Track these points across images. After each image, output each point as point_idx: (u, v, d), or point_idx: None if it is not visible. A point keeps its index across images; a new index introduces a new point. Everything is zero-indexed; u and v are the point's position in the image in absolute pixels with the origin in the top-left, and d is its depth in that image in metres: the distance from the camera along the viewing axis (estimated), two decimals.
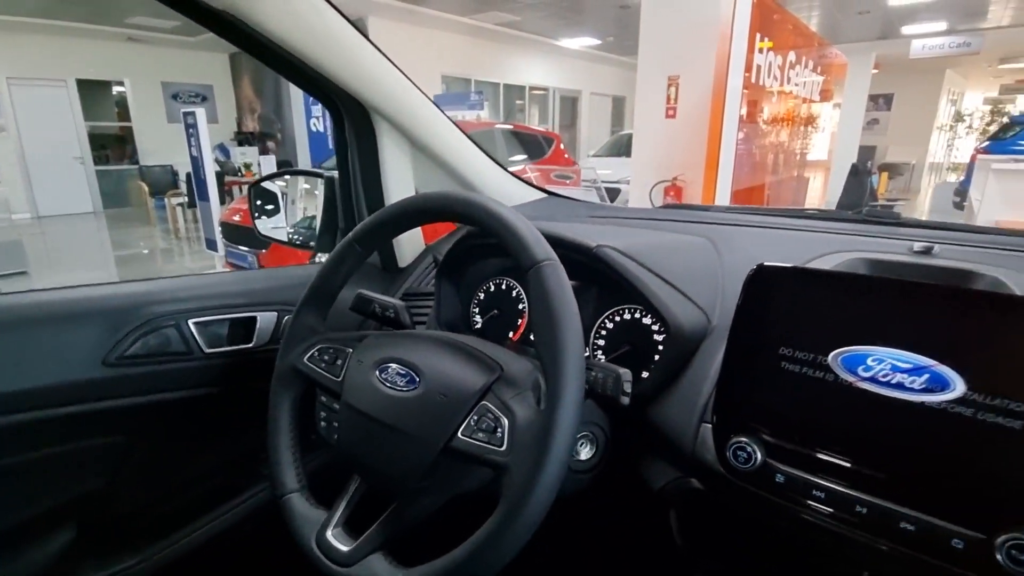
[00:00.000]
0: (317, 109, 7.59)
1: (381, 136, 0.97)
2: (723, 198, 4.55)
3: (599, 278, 0.72)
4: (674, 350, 0.65)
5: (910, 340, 0.46)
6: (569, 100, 12.72)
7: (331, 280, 0.69)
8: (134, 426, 0.84)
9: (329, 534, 0.59)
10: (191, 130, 5.03)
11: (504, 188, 1.18)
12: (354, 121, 0.97)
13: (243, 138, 9.60)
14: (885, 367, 0.46)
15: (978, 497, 0.43)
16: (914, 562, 0.45)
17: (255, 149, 8.45)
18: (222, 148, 8.68)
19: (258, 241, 4.18)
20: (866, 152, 11.43)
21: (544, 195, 1.25)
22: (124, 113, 9.75)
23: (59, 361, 0.75)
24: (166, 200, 7.64)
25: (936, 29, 9.43)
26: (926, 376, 0.45)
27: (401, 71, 0.93)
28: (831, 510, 0.49)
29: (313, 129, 7.73)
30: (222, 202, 5.38)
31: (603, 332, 0.75)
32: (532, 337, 0.54)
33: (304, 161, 8.76)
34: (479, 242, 0.85)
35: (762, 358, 0.53)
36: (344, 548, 0.57)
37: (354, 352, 0.65)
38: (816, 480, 0.50)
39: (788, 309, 0.53)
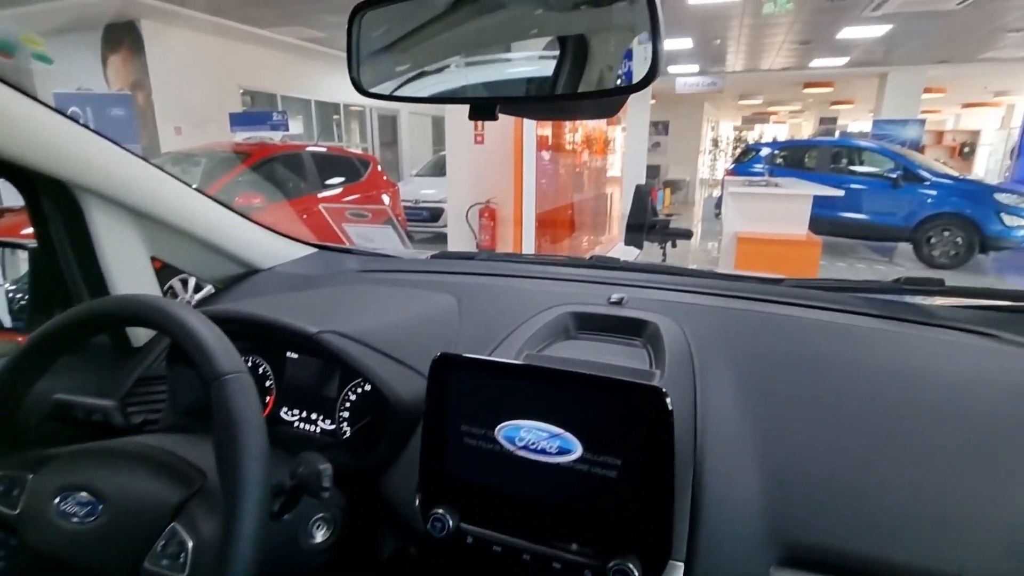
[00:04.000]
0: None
1: (90, 212, 0.89)
2: (529, 219, 4.94)
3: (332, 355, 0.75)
4: (398, 421, 0.70)
5: (547, 414, 0.57)
6: (389, 119, 12.63)
7: (9, 392, 0.62)
8: None
9: None
10: None
11: (268, 248, 1.15)
12: (52, 200, 0.89)
13: None
14: (532, 436, 0.57)
15: (596, 534, 0.55)
16: None
17: None
18: None
19: None
20: (653, 170, 13.33)
21: (314, 249, 1.24)
22: None
23: None
24: None
25: (692, 70, 11.47)
26: (558, 442, 0.56)
27: (110, 140, 0.86)
28: (508, 560, 0.58)
29: None
30: None
31: (347, 404, 0.78)
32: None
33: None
34: None
35: (449, 434, 0.61)
36: None
37: (33, 479, 0.57)
38: (497, 536, 0.59)
39: (464, 391, 0.61)
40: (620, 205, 9.05)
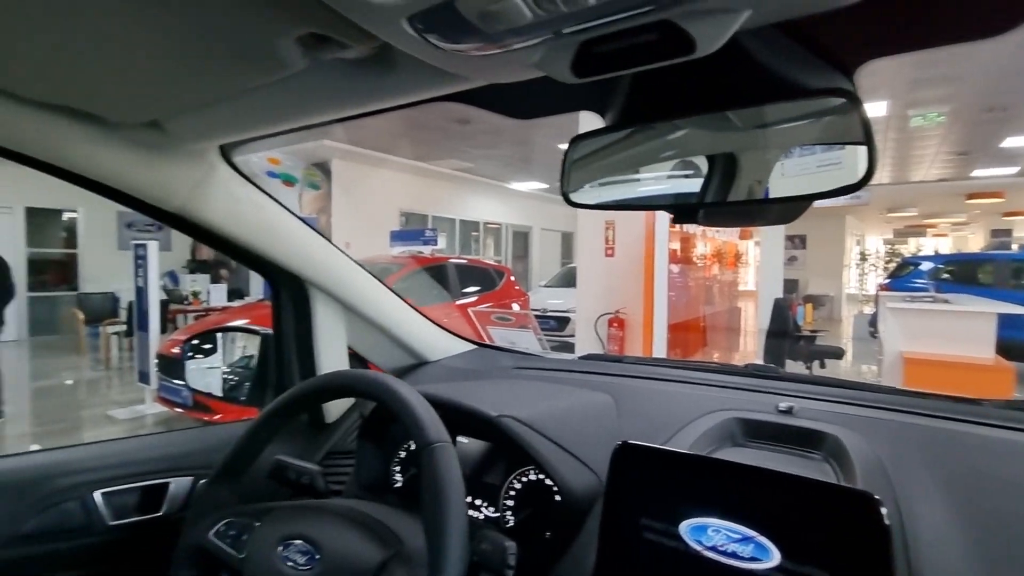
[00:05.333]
0: None
1: (315, 303, 1.06)
2: (660, 330, 4.85)
3: (508, 440, 0.78)
4: (569, 512, 0.70)
5: (738, 514, 0.53)
6: (522, 234, 13.62)
7: (247, 451, 0.73)
8: None
9: None
10: (140, 261, 5.05)
11: (436, 342, 1.27)
12: (290, 291, 1.06)
13: (195, 266, 9.60)
14: (722, 536, 0.54)
15: None
16: None
17: (207, 277, 8.44)
18: (172, 275, 8.63)
19: None
20: (790, 285, 12.52)
21: (474, 346, 1.35)
22: (72, 240, 9.66)
23: None
24: (101, 328, 7.35)
25: None
26: (751, 546, 0.52)
27: (334, 245, 1.04)
28: None
29: None
30: (164, 331, 5.24)
31: (512, 493, 0.79)
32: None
33: (257, 290, 8.77)
34: None
35: (629, 527, 0.59)
36: None
37: (260, 526, 0.66)
38: None
39: (647, 483, 0.59)
40: (755, 320, 8.53)
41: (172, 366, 4.25)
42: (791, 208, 0.54)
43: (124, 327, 7.11)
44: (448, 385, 1.06)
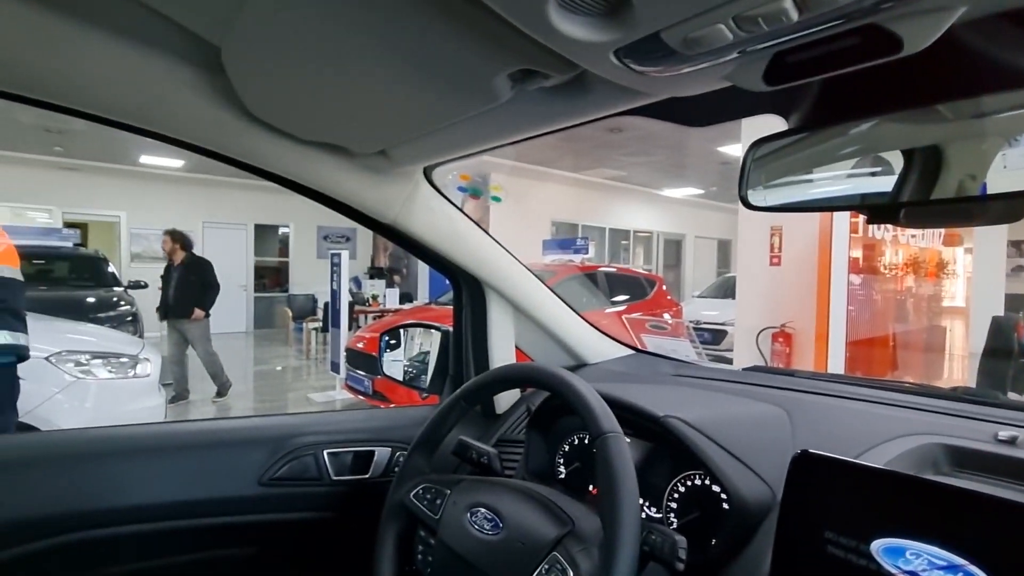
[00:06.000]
0: None
1: (490, 303, 1.17)
2: (837, 348, 4.31)
3: (672, 442, 0.77)
4: (738, 521, 0.68)
5: (946, 538, 0.48)
6: (673, 242, 13.09)
7: (439, 429, 0.83)
8: (268, 540, 1.00)
9: None
10: (335, 268, 5.92)
11: (596, 346, 1.31)
12: (470, 291, 1.18)
13: (374, 272, 10.89)
14: (923, 562, 0.48)
15: None
16: None
17: (383, 282, 9.54)
18: (356, 280, 9.90)
19: (375, 368, 4.62)
20: (1016, 301, 10.20)
21: (632, 352, 1.37)
22: (284, 250, 11.65)
23: (224, 478, 0.95)
24: (304, 324, 8.72)
25: None
26: (960, 575, 0.47)
27: (509, 252, 1.14)
28: None
29: None
30: (350, 329, 6.06)
31: (675, 496, 0.79)
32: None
33: (423, 294, 9.68)
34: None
35: (810, 540, 0.55)
36: None
37: (451, 493, 0.75)
38: None
39: (832, 496, 0.55)
40: (965, 342, 7.13)
41: (357, 359, 4.89)
42: (1016, 205, 0.49)
43: (320, 324, 8.34)
44: (610, 384, 1.10)
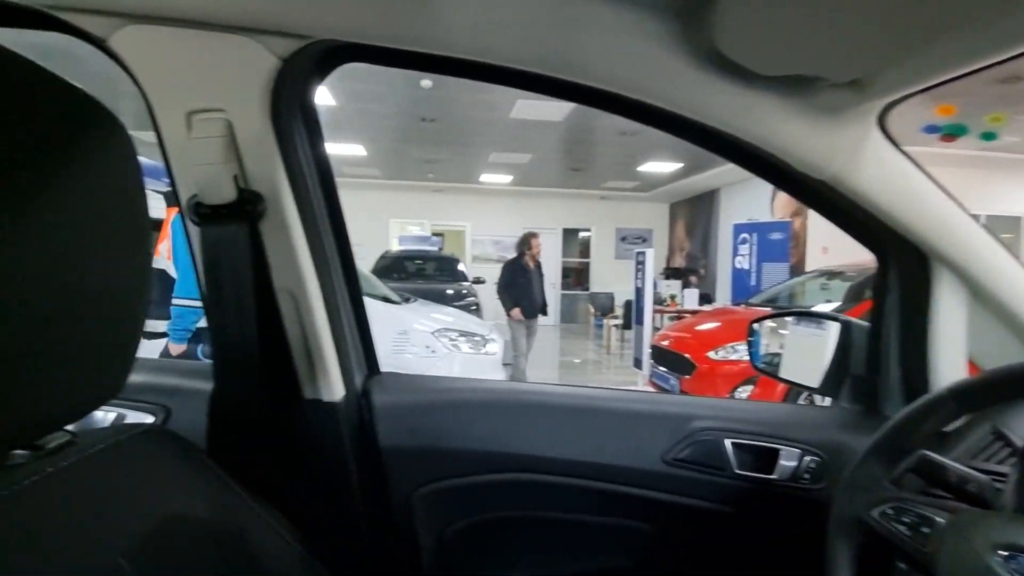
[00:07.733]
0: (744, 248, 7.91)
1: (937, 286, 0.87)
2: None
3: None
4: None
5: None
6: None
7: (909, 432, 0.67)
8: (666, 520, 0.98)
9: None
10: (639, 267, 6.07)
11: None
12: (903, 270, 0.91)
13: (670, 272, 10.81)
14: None
15: None
16: None
17: (679, 283, 9.37)
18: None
19: (681, 367, 4.53)
20: None
21: None
22: (585, 251, 12.61)
23: (630, 449, 0.97)
24: (604, 320, 9.24)
25: None
26: None
27: (975, 220, 0.85)
28: None
29: (738, 266, 8.04)
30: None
31: None
32: None
33: (724, 296, 9.12)
34: None
35: None
36: None
37: (951, 525, 0.58)
38: None
39: None
40: None
41: (662, 356, 4.90)
42: None
43: (620, 321, 8.70)
44: None
